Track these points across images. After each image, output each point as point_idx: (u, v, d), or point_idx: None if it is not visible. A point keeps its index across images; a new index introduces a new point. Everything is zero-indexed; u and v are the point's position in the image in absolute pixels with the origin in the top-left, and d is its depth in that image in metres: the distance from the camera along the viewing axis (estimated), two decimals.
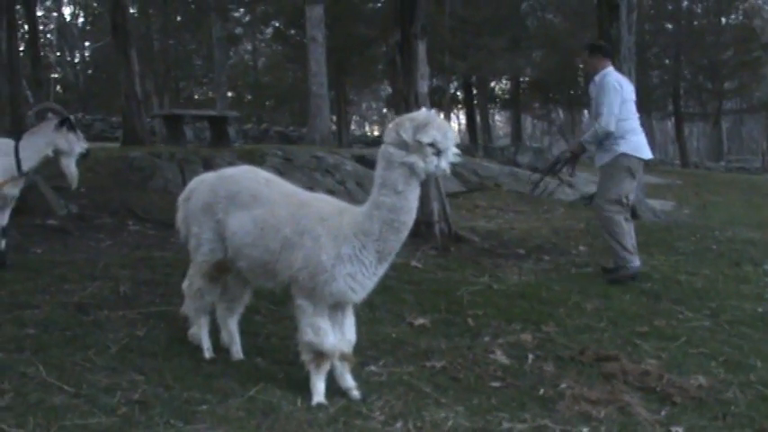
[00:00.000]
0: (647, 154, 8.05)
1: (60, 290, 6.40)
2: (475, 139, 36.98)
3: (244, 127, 35.40)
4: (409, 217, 4.22)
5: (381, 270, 4.43)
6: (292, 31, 35.71)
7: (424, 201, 9.43)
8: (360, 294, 4.44)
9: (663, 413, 4.59)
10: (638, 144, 7.91)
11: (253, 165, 13.80)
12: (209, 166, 13.90)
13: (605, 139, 7.79)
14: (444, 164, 4.09)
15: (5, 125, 10.59)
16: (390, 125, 4.21)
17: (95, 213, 10.59)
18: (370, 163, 16.73)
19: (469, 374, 5.10)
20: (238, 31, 42.86)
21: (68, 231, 9.31)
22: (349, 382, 4.61)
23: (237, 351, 5.16)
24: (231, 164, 14.28)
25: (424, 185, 8.81)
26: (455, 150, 4.13)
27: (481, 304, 6.76)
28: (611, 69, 8.00)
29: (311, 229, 4.35)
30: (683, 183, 21.27)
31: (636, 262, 7.87)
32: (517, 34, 35.30)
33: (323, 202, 4.66)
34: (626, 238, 7.84)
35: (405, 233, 4.27)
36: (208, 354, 5.09)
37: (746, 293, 7.68)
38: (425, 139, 4.01)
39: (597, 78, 7.92)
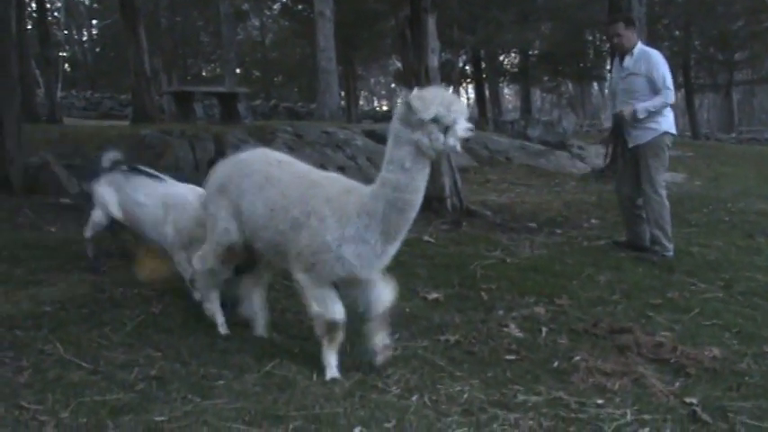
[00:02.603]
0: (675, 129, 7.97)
1: (76, 267, 6.43)
2: (484, 112, 36.85)
3: (252, 103, 35.38)
4: (415, 196, 4.14)
5: (391, 249, 4.37)
6: (300, 7, 35.62)
7: (435, 175, 9.50)
8: (366, 272, 4.39)
9: (677, 384, 4.60)
10: (672, 120, 7.84)
11: (263, 141, 13.87)
12: (219, 142, 13.93)
13: (646, 116, 7.68)
14: (452, 141, 3.99)
15: (15, 104, 10.58)
16: (399, 100, 4.17)
17: None
18: (380, 138, 16.70)
19: (484, 348, 5.11)
20: (246, 7, 42.75)
21: (81, 209, 9.32)
22: (376, 344, 4.60)
23: (261, 327, 5.13)
24: (242, 140, 14.34)
25: (435, 161, 8.82)
26: (465, 126, 4.02)
27: (494, 278, 6.77)
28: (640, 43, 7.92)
29: (318, 210, 4.31)
30: (694, 155, 21.16)
31: (672, 250, 7.87)
32: (526, 7, 35.03)
33: (332, 182, 4.59)
34: (669, 225, 7.85)
35: (411, 213, 4.20)
36: (222, 329, 5.11)
37: (759, 265, 7.67)
38: (427, 115, 3.94)
39: (637, 52, 7.76)
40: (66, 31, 48.26)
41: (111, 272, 6.39)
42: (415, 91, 4.12)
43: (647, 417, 4.10)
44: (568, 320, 5.75)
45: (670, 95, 7.59)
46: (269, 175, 4.65)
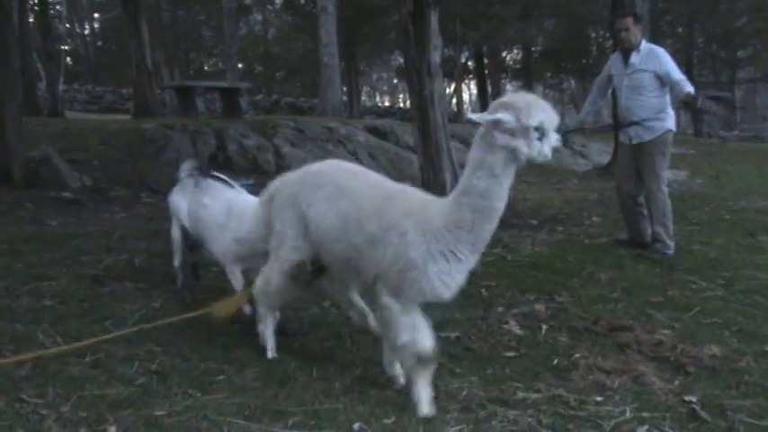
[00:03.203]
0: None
1: (76, 262, 6.44)
2: (487, 109, 36.81)
3: (255, 98, 35.37)
4: (502, 204, 3.85)
5: (474, 262, 4.08)
6: (302, 1, 35.60)
7: (436, 171, 9.51)
8: (452, 292, 4.04)
9: (677, 382, 4.59)
10: (674, 118, 7.85)
11: (265, 136, 13.83)
12: (221, 137, 13.94)
13: (647, 114, 7.69)
14: (547, 149, 3.78)
15: (17, 98, 10.59)
16: (493, 105, 3.87)
17: (109, 186, 10.64)
18: (381, 134, 16.72)
19: (483, 345, 5.12)
20: (248, 1, 42.71)
21: (82, 204, 9.36)
22: (397, 368, 4.40)
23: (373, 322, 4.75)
24: (244, 135, 14.35)
25: (437, 156, 8.80)
26: (557, 135, 3.85)
27: (495, 275, 6.78)
28: None
29: (397, 224, 3.99)
30: (696, 152, 21.16)
31: (673, 248, 7.87)
32: (529, 3, 34.94)
33: (408, 194, 4.26)
34: (671, 223, 7.85)
35: (497, 222, 3.91)
36: (270, 354, 4.77)
37: (760, 263, 7.66)
38: (532, 122, 3.71)
39: (645, 48, 7.74)
40: (68, 25, 48.28)
41: (111, 267, 6.40)
42: (510, 96, 3.91)
43: (646, 414, 4.10)
44: (568, 318, 5.76)
45: (688, 85, 7.56)
46: (342, 185, 4.33)
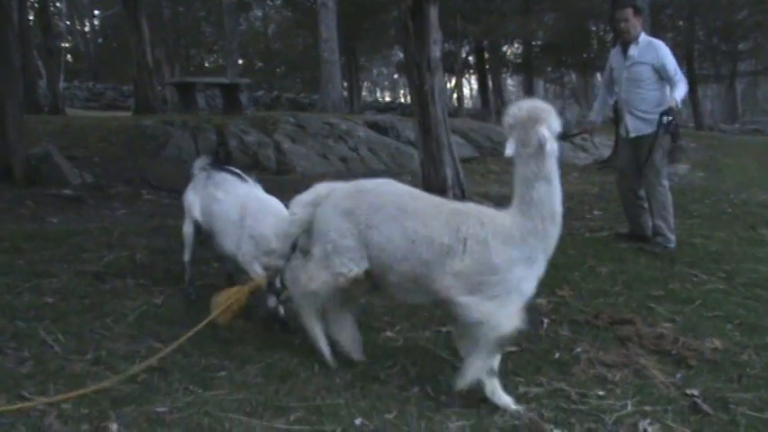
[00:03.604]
0: None
1: (77, 259, 6.44)
2: (487, 103, 36.82)
3: (255, 94, 35.37)
4: (561, 206, 4.12)
5: (544, 267, 4.19)
6: None
7: (437, 166, 9.51)
8: (527, 298, 4.20)
9: (678, 376, 4.59)
10: None
11: (266, 132, 13.85)
12: (221, 133, 13.95)
13: (646, 107, 7.66)
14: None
15: (18, 95, 10.59)
16: (519, 122, 4.02)
17: (110, 182, 10.64)
18: (382, 129, 16.72)
19: None
20: None
21: (83, 201, 9.36)
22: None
23: (357, 351, 4.73)
24: (244, 131, 14.35)
25: (438, 151, 8.78)
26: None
27: None
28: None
29: (475, 234, 4.08)
30: (697, 145, 21.14)
31: (674, 241, 7.86)
32: None
33: (472, 208, 4.36)
34: (672, 216, 7.85)
35: (561, 224, 4.14)
36: (332, 363, 4.60)
37: (761, 256, 7.65)
38: (558, 126, 4.05)
39: (643, 41, 7.71)
40: (68, 22, 48.32)
41: (112, 263, 6.39)
42: (527, 108, 4.08)
43: (648, 408, 4.10)
44: (570, 312, 5.75)
45: (683, 77, 7.56)
46: (402, 205, 4.34)
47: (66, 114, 20.09)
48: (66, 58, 40.74)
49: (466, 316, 4.09)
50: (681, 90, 7.46)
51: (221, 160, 11.12)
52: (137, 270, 6.23)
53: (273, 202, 5.36)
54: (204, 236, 5.70)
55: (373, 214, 4.34)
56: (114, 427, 3.59)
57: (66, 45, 45.98)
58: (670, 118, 7.38)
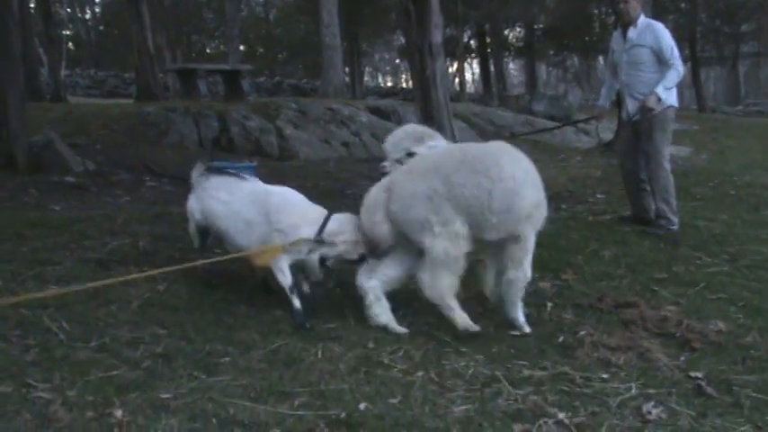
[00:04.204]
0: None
1: (81, 246, 6.43)
2: (489, 88, 36.73)
3: (257, 80, 35.30)
4: None
5: None
6: None
7: None
8: None
9: (682, 358, 4.60)
10: (676, 93, 7.77)
11: (268, 118, 13.84)
12: (223, 120, 13.93)
13: (646, 90, 7.57)
14: None
15: (19, 83, 10.58)
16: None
17: (112, 170, 10.62)
18: (384, 114, 16.70)
19: (488, 323, 5.12)
20: None
21: (86, 188, 9.35)
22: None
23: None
24: (246, 117, 14.32)
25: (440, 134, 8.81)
26: None
27: None
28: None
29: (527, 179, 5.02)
30: (699, 128, 21.11)
31: (678, 224, 7.85)
32: None
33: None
34: (675, 199, 7.83)
35: None
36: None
37: (765, 238, 7.65)
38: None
39: (642, 23, 7.67)
40: (69, 10, 48.22)
41: (115, 251, 6.39)
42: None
43: (652, 391, 4.11)
44: (573, 295, 5.76)
45: (680, 64, 7.54)
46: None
47: (68, 102, 20.05)
48: (67, 45, 40.72)
49: (521, 261, 5.06)
50: (669, 79, 7.46)
51: (213, 152, 11.14)
52: (140, 257, 6.22)
53: (289, 193, 5.43)
54: (214, 237, 5.71)
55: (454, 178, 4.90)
56: (119, 413, 3.60)
57: (68, 33, 45.94)
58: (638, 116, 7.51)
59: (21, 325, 4.65)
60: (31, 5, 25.70)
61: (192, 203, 5.67)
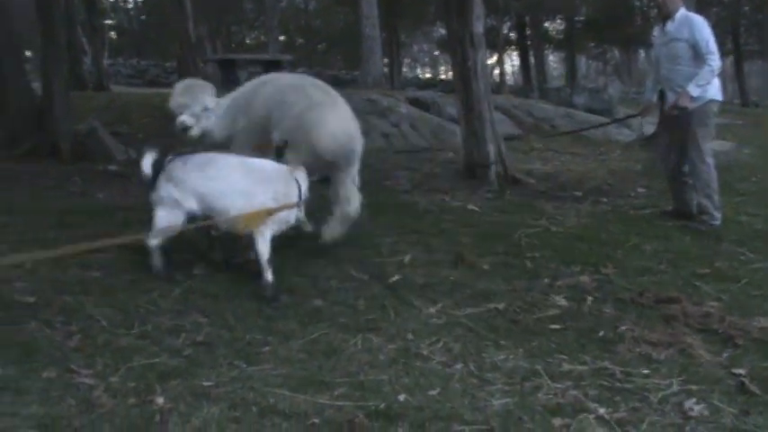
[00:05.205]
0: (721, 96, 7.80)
1: (123, 234, 6.48)
2: (529, 80, 36.54)
3: (296, 71, 35.37)
4: None
5: None
6: None
7: (479, 143, 9.48)
8: None
9: (725, 355, 4.54)
10: (718, 87, 7.66)
11: None
12: None
13: (687, 84, 7.51)
14: None
15: (63, 72, 10.69)
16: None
17: None
18: (423, 105, 16.65)
19: (528, 317, 5.09)
20: None
21: (128, 177, 9.41)
22: None
23: None
24: None
25: (480, 127, 8.79)
26: None
27: (539, 246, 6.74)
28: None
29: None
30: (742, 122, 20.83)
31: (720, 219, 7.77)
32: None
33: None
34: (717, 194, 7.74)
35: None
36: None
37: None
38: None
39: (680, 16, 7.56)
40: None
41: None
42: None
43: (693, 387, 4.07)
44: (614, 290, 5.71)
45: (714, 59, 7.41)
46: None
47: (111, 91, 20.21)
48: (109, 34, 41.06)
49: None
50: (702, 76, 7.36)
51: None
52: (181, 245, 6.26)
53: (267, 161, 5.64)
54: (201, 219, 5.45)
55: None
56: (160, 400, 3.64)
57: (111, 22, 46.30)
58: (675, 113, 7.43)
59: (64, 311, 4.71)
60: None
61: (172, 192, 5.34)
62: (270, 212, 5.19)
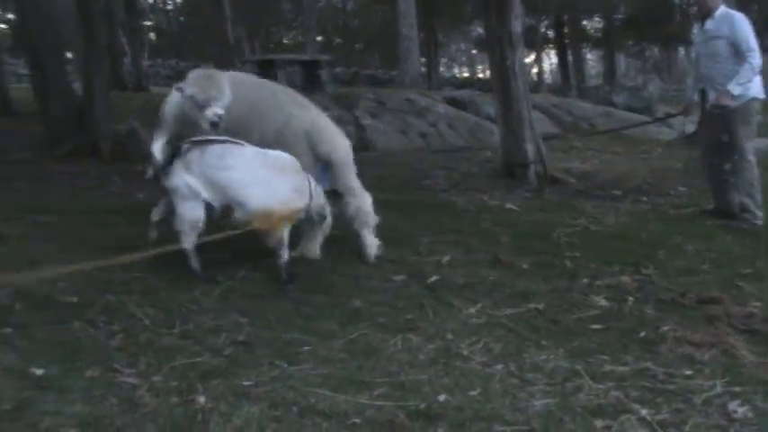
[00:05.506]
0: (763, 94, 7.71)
1: (164, 234, 6.53)
2: (567, 78, 36.32)
3: (334, 71, 35.45)
4: None
5: None
6: None
7: (518, 142, 9.45)
8: None
9: None
10: (760, 84, 7.56)
11: (346, 108, 13.83)
12: None
13: (727, 82, 7.42)
14: None
15: (104, 73, 10.81)
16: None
17: None
18: (461, 104, 16.63)
19: (569, 317, 5.07)
20: None
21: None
22: None
23: None
24: (326, 108, 14.38)
25: (519, 126, 8.76)
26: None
27: (578, 246, 6.70)
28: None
29: None
30: None
31: (762, 218, 7.67)
32: None
33: None
34: (759, 193, 7.65)
35: None
36: None
37: None
38: None
39: (719, 14, 7.47)
40: (151, 0, 48.98)
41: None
42: None
43: (737, 389, 4.01)
44: (655, 290, 5.66)
45: (755, 56, 7.30)
46: None
47: (150, 91, 20.38)
48: (149, 35, 41.41)
49: None
50: (742, 74, 7.26)
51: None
52: (222, 244, 6.29)
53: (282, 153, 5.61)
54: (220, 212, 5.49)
55: None
56: (202, 399, 3.66)
57: (150, 23, 46.70)
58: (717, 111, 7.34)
59: (106, 311, 4.76)
60: None
61: (188, 179, 5.33)
62: (295, 212, 5.36)
